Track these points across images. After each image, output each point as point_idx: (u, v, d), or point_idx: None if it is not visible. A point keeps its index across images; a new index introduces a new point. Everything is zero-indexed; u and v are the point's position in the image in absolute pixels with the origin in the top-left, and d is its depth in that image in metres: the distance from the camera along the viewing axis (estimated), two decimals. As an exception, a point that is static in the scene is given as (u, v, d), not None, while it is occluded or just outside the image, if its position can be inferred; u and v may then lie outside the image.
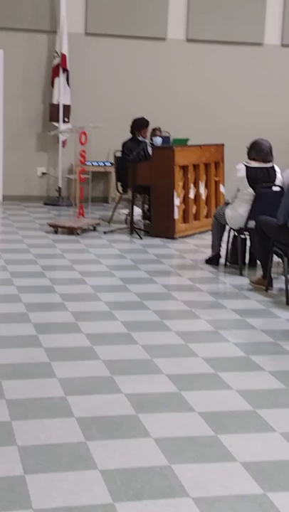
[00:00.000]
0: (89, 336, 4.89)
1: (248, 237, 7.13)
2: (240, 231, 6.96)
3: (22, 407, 3.75)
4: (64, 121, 10.49)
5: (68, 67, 10.48)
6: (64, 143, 10.64)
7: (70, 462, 3.23)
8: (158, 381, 4.19)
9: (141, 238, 8.39)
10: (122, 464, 3.23)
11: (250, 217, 6.76)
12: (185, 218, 8.78)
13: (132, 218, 8.62)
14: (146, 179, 8.52)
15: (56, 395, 3.92)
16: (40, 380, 4.13)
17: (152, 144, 9.35)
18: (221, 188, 9.36)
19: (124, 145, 9.06)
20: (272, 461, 3.32)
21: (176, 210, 8.45)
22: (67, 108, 10.52)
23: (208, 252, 7.44)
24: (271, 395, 4.08)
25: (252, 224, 6.68)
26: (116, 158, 9.40)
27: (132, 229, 8.57)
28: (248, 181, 6.76)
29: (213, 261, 7.26)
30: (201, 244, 8.17)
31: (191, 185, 8.83)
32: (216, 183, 9.38)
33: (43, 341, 4.74)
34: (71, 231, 8.48)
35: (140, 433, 3.53)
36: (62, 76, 10.45)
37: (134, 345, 4.78)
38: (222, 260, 7.26)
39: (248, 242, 7.21)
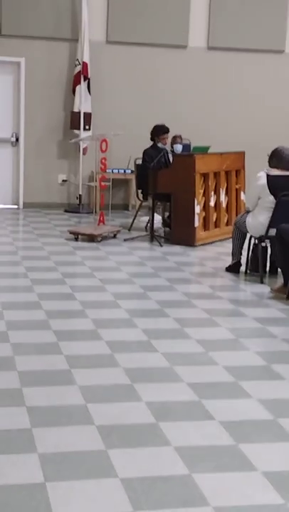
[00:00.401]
0: (109, 344, 4.89)
1: (268, 245, 7.11)
2: (261, 239, 6.94)
3: (42, 414, 3.75)
4: (85, 129, 10.53)
5: (89, 75, 10.53)
6: (85, 150, 10.68)
7: (90, 470, 3.23)
8: (178, 389, 4.18)
9: (161, 245, 8.39)
10: (142, 473, 3.22)
11: (271, 225, 6.74)
12: (205, 226, 8.77)
13: (152, 226, 8.63)
14: (167, 187, 8.53)
15: (76, 402, 3.92)
16: (61, 387, 4.13)
17: (173, 152, 9.36)
18: (242, 196, 9.34)
19: (145, 152, 9.08)
20: (294, 471, 3.30)
21: (196, 217, 8.45)
22: (88, 116, 10.56)
23: (228, 260, 7.42)
24: (292, 405, 4.06)
25: (273, 232, 6.65)
26: (136, 165, 9.42)
27: (153, 236, 8.58)
28: (269, 189, 6.75)
29: (233, 269, 7.25)
30: (222, 252, 8.15)
31: (212, 193, 8.82)
32: (237, 191, 9.36)
33: (63, 348, 4.75)
34: (91, 238, 8.50)
35: (160, 441, 3.52)
36: (83, 84, 10.50)
37: (154, 353, 4.78)
38: (243, 268, 7.24)
39: (269, 250, 7.18)
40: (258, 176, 6.88)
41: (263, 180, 6.78)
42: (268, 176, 6.80)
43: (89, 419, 3.72)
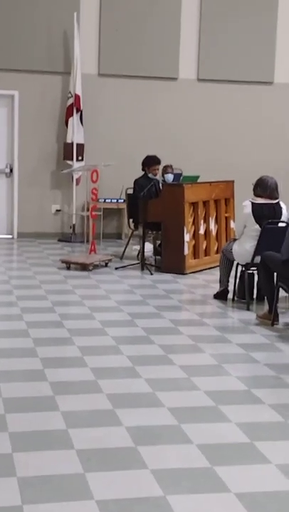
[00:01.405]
0: (94, 370, 4.99)
1: (255, 272, 7.22)
2: (247, 266, 7.06)
3: (24, 439, 3.85)
4: (78, 160, 10.70)
5: (82, 107, 10.72)
6: (78, 180, 10.85)
7: (68, 493, 3.32)
8: (159, 414, 4.27)
9: (152, 274, 8.51)
10: (118, 495, 3.31)
11: (256, 252, 6.86)
12: (195, 254, 8.90)
13: (142, 254, 8.75)
14: (157, 216, 8.67)
15: (58, 427, 4.02)
16: (44, 413, 4.23)
17: (164, 181, 9.51)
18: (232, 224, 9.48)
19: (136, 182, 9.24)
20: (266, 492, 3.39)
21: (186, 245, 8.58)
22: (80, 147, 10.74)
23: (216, 287, 7.53)
24: (269, 428, 4.15)
25: (259, 259, 6.77)
26: (128, 195, 9.58)
27: (143, 265, 8.70)
28: (254, 217, 6.88)
29: (221, 296, 7.36)
30: (211, 280, 8.26)
31: (201, 222, 8.96)
32: (227, 219, 9.50)
33: (48, 375, 4.85)
34: (83, 267, 8.63)
35: (138, 464, 3.61)
36: (75, 116, 10.69)
37: (137, 378, 4.87)
38: (230, 295, 7.35)
39: (256, 278, 7.29)
40: (243, 204, 7.03)
41: (248, 209, 6.92)
42: (252, 204, 6.94)
43: (69, 443, 3.81)
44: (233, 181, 9.62)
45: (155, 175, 9.32)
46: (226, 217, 9.49)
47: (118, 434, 3.97)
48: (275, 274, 6.38)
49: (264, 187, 6.98)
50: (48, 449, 3.74)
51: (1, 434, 3.88)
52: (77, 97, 10.67)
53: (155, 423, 4.14)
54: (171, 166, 10.20)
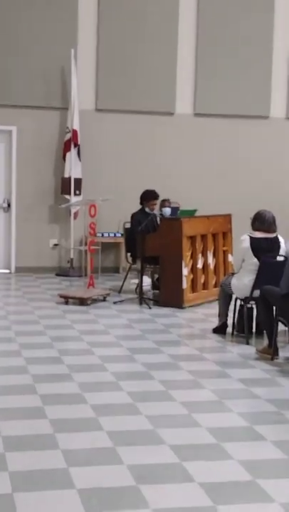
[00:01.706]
0: (94, 407, 4.95)
1: (254, 306, 7.22)
2: (246, 300, 7.05)
3: (24, 479, 3.80)
4: (75, 194, 10.74)
5: (79, 141, 10.79)
6: (75, 215, 10.88)
7: (69, 534, 3.27)
8: (160, 452, 4.23)
9: (150, 308, 8.49)
10: (120, 536, 3.27)
11: (255, 286, 6.86)
12: (193, 288, 8.89)
13: (141, 288, 8.75)
14: (155, 250, 8.68)
15: (58, 466, 3.97)
16: (44, 451, 4.18)
17: (162, 215, 9.54)
18: (230, 258, 9.49)
19: (133, 216, 9.27)
20: (270, 532, 3.34)
21: (184, 279, 8.58)
22: (78, 181, 10.79)
23: (215, 322, 7.51)
24: (272, 465, 4.10)
25: (257, 293, 6.77)
26: (125, 229, 9.60)
27: (141, 299, 8.69)
28: (252, 251, 6.89)
29: (220, 330, 7.34)
30: (209, 314, 8.24)
31: (199, 255, 8.97)
32: (224, 253, 9.52)
33: (48, 413, 4.80)
34: (81, 302, 8.61)
35: (139, 504, 3.56)
36: (73, 150, 10.76)
37: (138, 415, 4.84)
38: (229, 329, 7.33)
39: (255, 312, 7.28)
40: (241, 239, 7.04)
41: (247, 243, 6.94)
42: (251, 238, 6.95)
43: (70, 483, 3.77)
44: (230, 215, 9.65)
45: (153, 210, 9.35)
46: (224, 251, 9.51)
47: (119, 472, 3.92)
48: (275, 308, 6.36)
49: (262, 221, 7.01)
50: (49, 489, 3.70)
51: (1, 474, 3.83)
52: (74, 132, 10.74)
53: (156, 461, 4.09)
54: (168, 200, 10.26)
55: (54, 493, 3.65)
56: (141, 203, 9.41)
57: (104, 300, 8.90)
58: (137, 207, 9.41)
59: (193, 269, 8.91)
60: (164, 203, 10.20)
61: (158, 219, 9.26)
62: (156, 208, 9.60)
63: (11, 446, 4.22)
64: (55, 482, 3.78)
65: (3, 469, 3.89)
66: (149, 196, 9.35)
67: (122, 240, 10.63)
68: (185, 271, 8.62)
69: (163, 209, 9.87)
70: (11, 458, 4.04)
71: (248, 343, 6.92)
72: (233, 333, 7.27)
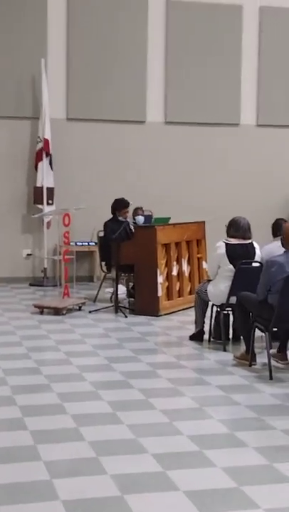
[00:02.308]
0: (74, 417, 4.92)
1: (230, 312, 7.24)
2: (222, 307, 7.07)
3: (7, 491, 3.76)
4: (48, 204, 10.70)
5: (51, 151, 10.76)
6: (48, 224, 10.83)
7: None
8: (143, 461, 4.21)
9: (126, 316, 8.47)
10: None
11: (231, 293, 6.88)
12: (169, 295, 8.90)
13: (116, 297, 8.73)
14: (130, 258, 8.67)
15: (41, 478, 3.94)
16: (26, 463, 4.15)
17: (135, 223, 9.54)
18: (204, 265, 9.52)
19: (106, 225, 9.25)
20: (257, 539, 3.35)
21: (159, 287, 8.58)
22: (50, 190, 10.75)
23: (192, 329, 7.51)
24: (255, 472, 4.11)
25: (234, 300, 6.79)
26: (99, 238, 9.58)
27: (117, 307, 8.67)
28: (228, 258, 6.92)
29: (197, 337, 7.34)
30: (185, 321, 8.25)
31: (174, 263, 8.99)
32: (199, 260, 9.54)
33: (28, 424, 4.77)
34: (57, 311, 8.56)
35: (125, 514, 3.55)
36: (45, 160, 10.72)
37: (119, 424, 4.82)
38: (206, 336, 7.34)
39: (231, 318, 7.31)
40: (216, 245, 7.06)
41: (222, 250, 6.96)
42: (226, 245, 6.98)
43: (54, 494, 3.74)
44: (204, 222, 9.68)
45: (125, 218, 9.35)
46: (198, 258, 9.53)
47: (103, 482, 3.90)
48: (251, 314, 6.38)
49: (237, 227, 7.04)
50: (33, 501, 3.66)
51: (-17, 487, 3.80)
52: (46, 142, 10.71)
53: (140, 470, 4.08)
54: (141, 208, 10.27)
55: (38, 506, 3.62)
56: (113, 212, 9.39)
57: (79, 309, 8.87)
58: (109, 215, 9.39)
59: (168, 277, 8.91)
60: (137, 211, 10.21)
61: (131, 227, 9.26)
62: (129, 215, 9.60)
63: (-8, 459, 4.18)
64: (39, 494, 3.75)
65: (-14, 483, 3.85)
66: (120, 205, 9.34)
67: (95, 249, 10.63)
68: (160, 278, 8.62)
69: (136, 217, 9.88)
70: (-7, 471, 4.00)
71: (225, 350, 6.94)
72: (209, 340, 7.29)
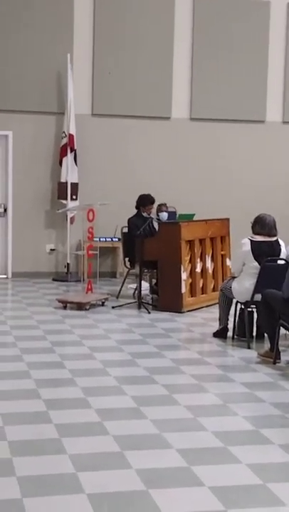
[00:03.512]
0: (98, 411, 4.93)
1: (254, 310, 7.21)
2: (246, 304, 7.04)
3: (33, 484, 3.77)
4: (72, 199, 10.72)
5: (75, 146, 10.77)
6: (72, 220, 10.85)
7: (81, 539, 3.24)
8: (168, 456, 4.21)
9: (149, 312, 8.47)
10: None
11: (256, 290, 6.85)
12: (192, 292, 8.88)
13: (139, 293, 8.72)
14: (153, 254, 8.66)
15: (67, 471, 3.94)
16: (51, 456, 4.16)
17: (159, 220, 9.53)
18: (228, 262, 9.49)
19: (130, 221, 9.25)
20: (283, 536, 3.33)
21: (183, 284, 8.56)
22: (75, 186, 10.77)
23: (215, 326, 7.49)
24: (281, 469, 4.09)
25: (258, 297, 6.76)
26: (123, 233, 9.58)
27: (140, 303, 8.66)
28: (253, 255, 6.89)
29: (220, 334, 7.32)
30: (209, 318, 8.23)
31: (198, 260, 8.96)
32: (222, 257, 9.51)
33: (53, 417, 4.78)
34: (80, 306, 8.57)
35: (151, 509, 3.54)
36: (69, 155, 10.74)
37: (143, 419, 4.81)
38: (230, 333, 7.31)
39: (255, 315, 7.28)
40: (242, 242, 7.03)
41: (247, 247, 6.93)
42: (251, 242, 6.95)
43: (79, 487, 3.74)
44: (228, 219, 9.65)
45: (149, 214, 9.34)
46: (222, 255, 9.50)
47: (128, 476, 3.90)
48: (277, 311, 6.35)
49: (262, 224, 7.00)
50: (58, 494, 3.67)
51: (9, 479, 3.80)
52: (71, 137, 10.72)
53: (165, 465, 4.07)
54: (165, 205, 10.24)
55: (64, 498, 3.62)
56: (137, 208, 9.39)
57: (102, 305, 8.87)
58: (132, 211, 9.39)
59: (191, 274, 8.89)
60: (161, 207, 10.18)
61: (154, 223, 9.24)
62: (153, 211, 9.59)
63: (17, 451, 4.19)
64: (64, 487, 3.75)
65: (11, 474, 3.86)
66: (145, 201, 9.34)
67: (119, 245, 10.62)
68: (184, 275, 8.60)
69: (160, 214, 9.86)
70: (18, 463, 4.01)
71: (249, 347, 6.91)
72: (233, 337, 7.26)
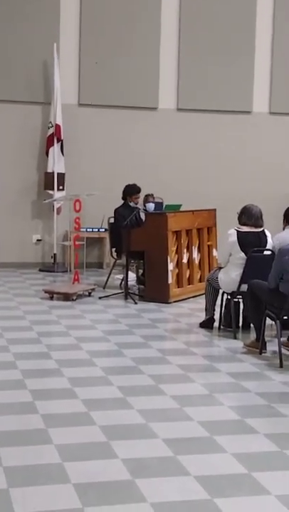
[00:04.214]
0: (85, 402, 4.94)
1: (241, 300, 7.23)
2: (233, 295, 7.06)
3: (19, 474, 3.78)
4: (58, 189, 10.69)
5: (62, 136, 10.74)
6: (59, 210, 10.83)
7: (67, 528, 3.25)
8: (154, 445, 4.23)
9: (136, 303, 8.48)
10: (118, 530, 3.26)
11: (242, 281, 6.87)
12: (179, 283, 8.89)
13: (126, 283, 8.73)
14: (140, 245, 8.67)
15: (53, 461, 3.95)
16: (37, 446, 4.16)
17: (145, 210, 9.53)
18: (214, 253, 9.51)
19: (117, 211, 9.24)
20: (268, 524, 3.35)
21: (169, 274, 8.57)
22: (61, 176, 10.74)
23: (202, 316, 7.51)
24: (266, 458, 4.12)
25: (244, 287, 6.78)
26: (110, 224, 9.57)
27: (127, 294, 8.67)
28: (240, 246, 6.90)
29: (207, 324, 7.34)
30: (195, 308, 8.25)
31: (184, 250, 8.97)
32: (209, 248, 9.53)
33: (39, 408, 4.78)
34: (66, 297, 8.57)
35: (137, 498, 3.56)
36: (56, 145, 10.70)
37: (129, 409, 4.83)
38: (216, 324, 7.33)
39: (242, 306, 7.30)
40: (228, 233, 7.05)
41: (234, 238, 6.95)
42: (238, 232, 6.96)
43: (66, 477, 3.75)
44: (215, 210, 9.66)
45: (136, 203, 9.34)
46: (209, 246, 9.51)
47: (114, 466, 3.91)
48: (263, 302, 6.37)
49: (249, 215, 7.02)
50: (45, 484, 3.68)
51: (-5, 469, 3.82)
52: (57, 127, 10.69)
53: (151, 455, 4.09)
54: (152, 195, 10.24)
55: (50, 488, 3.64)
56: (124, 198, 9.38)
57: (89, 295, 8.87)
58: (119, 202, 9.38)
59: (178, 264, 8.90)
60: (148, 198, 10.19)
61: (141, 214, 9.24)
62: (140, 201, 9.59)
63: (3, 441, 4.20)
64: (51, 477, 3.76)
65: (-2, 464, 3.87)
66: (131, 190, 9.34)
67: (105, 235, 10.62)
68: (170, 266, 8.62)
69: (147, 204, 9.86)
70: (4, 453, 4.02)
71: (235, 338, 6.94)
72: (219, 328, 7.28)
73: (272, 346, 6.51)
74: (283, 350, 6.16)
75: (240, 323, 7.33)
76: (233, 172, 11.62)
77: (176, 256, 8.87)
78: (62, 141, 10.77)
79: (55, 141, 10.69)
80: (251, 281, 6.54)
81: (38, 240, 11.11)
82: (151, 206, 9.70)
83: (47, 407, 4.82)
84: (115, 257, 9.40)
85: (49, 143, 10.77)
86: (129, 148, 11.25)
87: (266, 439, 4.38)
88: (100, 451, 4.11)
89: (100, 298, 8.72)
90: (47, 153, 10.80)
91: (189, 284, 9.08)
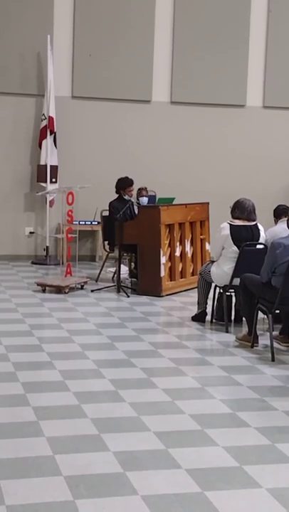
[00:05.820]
0: (76, 394, 4.93)
1: (233, 294, 7.24)
2: (225, 288, 7.06)
3: (10, 466, 3.77)
4: (51, 182, 10.67)
5: (55, 129, 10.71)
6: (51, 203, 10.80)
7: (58, 521, 3.25)
8: (145, 438, 4.23)
9: (128, 296, 8.47)
10: (109, 522, 3.26)
11: (234, 274, 6.87)
12: (171, 276, 8.89)
13: (118, 277, 8.73)
14: (133, 238, 8.66)
15: (44, 453, 3.95)
16: (29, 439, 4.16)
17: (139, 204, 9.52)
18: (207, 246, 9.51)
19: (111, 204, 9.22)
20: (259, 517, 3.36)
21: (162, 267, 8.57)
22: (54, 169, 10.72)
23: (194, 310, 7.51)
24: (257, 451, 4.13)
25: (237, 281, 6.79)
26: (103, 217, 9.56)
27: (119, 287, 8.67)
28: (232, 239, 6.90)
29: (199, 318, 7.35)
30: (188, 302, 8.25)
31: (177, 244, 8.97)
32: (202, 241, 9.52)
33: (31, 400, 4.78)
34: (59, 290, 8.56)
35: (128, 490, 3.56)
36: (49, 138, 10.67)
37: (121, 402, 4.83)
38: (208, 317, 7.34)
39: (234, 299, 7.31)
40: (221, 226, 7.05)
41: (227, 231, 6.95)
42: (231, 226, 6.96)
43: (57, 470, 3.75)
44: (208, 203, 9.66)
45: (131, 196, 9.33)
46: (202, 239, 9.51)
47: (106, 459, 3.91)
48: (255, 296, 6.38)
49: (242, 209, 7.02)
50: (36, 476, 3.68)
51: (-14, 462, 3.81)
52: (50, 119, 10.65)
53: (142, 448, 4.09)
54: (145, 189, 10.23)
55: (41, 481, 3.63)
56: (117, 192, 9.36)
57: (81, 288, 8.86)
58: (112, 195, 9.36)
59: (171, 258, 8.90)
60: (141, 191, 10.17)
61: (135, 207, 9.22)
62: (134, 194, 9.58)
63: (-5, 433, 4.19)
64: (42, 469, 3.76)
65: (-11, 457, 3.87)
66: (124, 183, 9.32)
67: (98, 228, 10.60)
68: (163, 259, 8.61)
69: (140, 198, 9.84)
70: (-5, 445, 4.02)
71: (227, 331, 6.95)
72: (212, 321, 7.29)
73: (264, 340, 6.52)
74: (275, 344, 6.18)
75: (233, 317, 7.35)
76: (227, 165, 11.62)
77: (169, 249, 8.86)
78: (55, 133, 10.74)
79: (48, 133, 10.65)
80: (243, 274, 6.54)
81: (30, 233, 11.08)
82: (144, 200, 9.67)
83: (39, 399, 4.82)
84: (108, 250, 9.39)
85: (42, 135, 10.74)
86: (123, 141, 11.22)
87: (257, 432, 4.39)
88: (92, 444, 4.11)
89: (92, 291, 8.71)
90: (40, 146, 10.77)
91: (182, 278, 9.08)
